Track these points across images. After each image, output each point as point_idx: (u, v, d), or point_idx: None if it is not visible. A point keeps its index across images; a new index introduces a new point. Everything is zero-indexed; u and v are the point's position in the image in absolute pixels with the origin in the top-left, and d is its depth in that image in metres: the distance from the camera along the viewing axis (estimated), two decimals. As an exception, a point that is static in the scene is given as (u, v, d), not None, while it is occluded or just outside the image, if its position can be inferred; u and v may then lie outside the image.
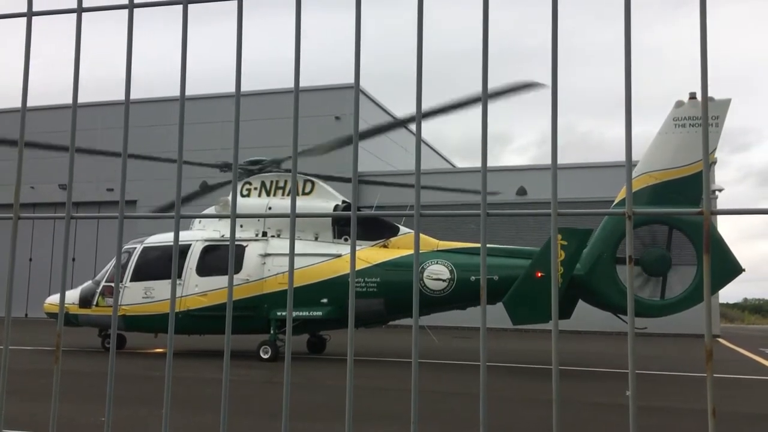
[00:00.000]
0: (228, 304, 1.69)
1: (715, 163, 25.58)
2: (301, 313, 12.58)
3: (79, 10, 1.87)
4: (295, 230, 1.74)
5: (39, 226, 32.68)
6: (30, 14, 1.92)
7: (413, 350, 1.68)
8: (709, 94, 9.98)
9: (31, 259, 32.41)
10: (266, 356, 12.31)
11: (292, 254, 1.75)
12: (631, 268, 1.54)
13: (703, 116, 1.53)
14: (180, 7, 1.99)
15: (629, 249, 1.55)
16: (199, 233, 13.74)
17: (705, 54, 1.52)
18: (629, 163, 1.55)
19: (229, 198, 14.25)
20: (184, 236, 13.67)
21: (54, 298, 14.36)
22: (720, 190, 26.74)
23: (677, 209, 1.80)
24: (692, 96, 11.81)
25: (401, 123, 15.13)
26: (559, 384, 1.52)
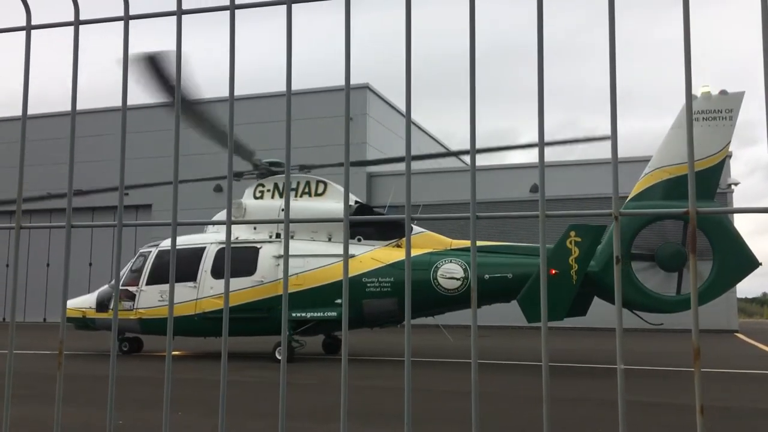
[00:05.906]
0: (225, 309, 1.73)
1: (730, 156, 25.39)
2: (315, 314, 12.61)
3: (77, 23, 1.91)
4: (289, 235, 1.77)
5: (55, 232, 33.01)
6: (29, 28, 1.96)
7: (406, 351, 1.70)
8: (722, 87, 9.78)
9: (48, 264, 32.78)
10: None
11: (286, 257, 1.78)
12: (618, 268, 1.56)
13: (687, 115, 1.54)
14: (185, 16, 2.02)
15: (616, 249, 1.57)
16: (213, 236, 13.83)
17: (689, 51, 1.53)
18: (615, 161, 1.56)
19: (242, 200, 14.40)
20: (199, 239, 13.78)
21: (71, 303, 14.50)
22: (736, 184, 26.50)
23: (663, 210, 1.81)
24: (705, 90, 11.72)
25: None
26: (549, 381, 1.54)
